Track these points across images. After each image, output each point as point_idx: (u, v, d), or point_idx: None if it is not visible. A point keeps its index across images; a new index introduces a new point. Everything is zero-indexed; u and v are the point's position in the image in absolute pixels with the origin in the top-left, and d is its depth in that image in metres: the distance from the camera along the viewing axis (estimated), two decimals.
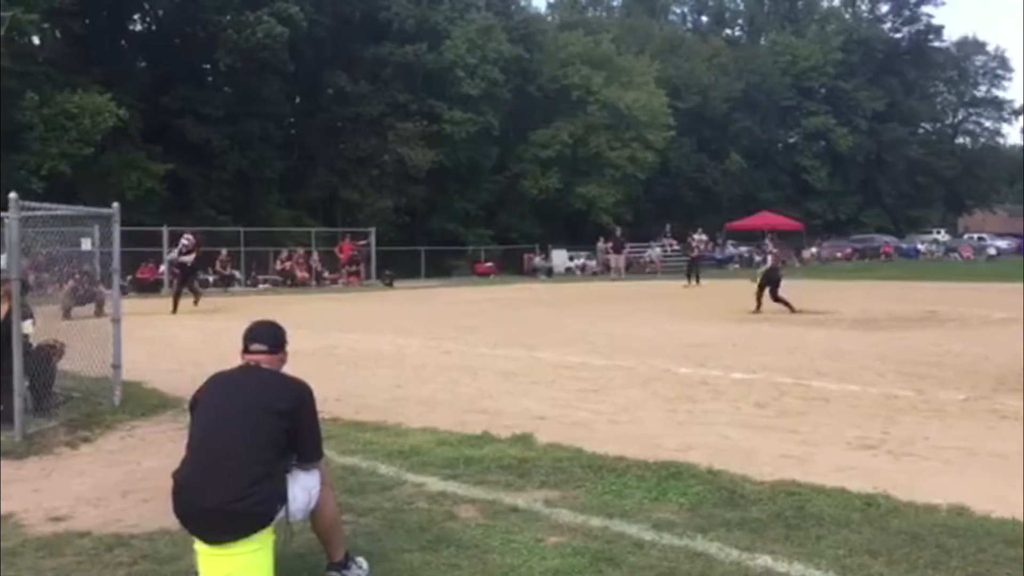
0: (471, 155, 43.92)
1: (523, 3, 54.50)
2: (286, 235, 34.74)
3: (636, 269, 40.86)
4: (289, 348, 4.03)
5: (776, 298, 17.82)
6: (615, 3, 74.40)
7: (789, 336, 13.53)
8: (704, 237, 32.56)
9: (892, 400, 8.05)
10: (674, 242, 43.34)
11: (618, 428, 7.02)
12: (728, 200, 57.07)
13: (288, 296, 26.56)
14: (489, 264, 40.97)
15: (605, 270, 39.20)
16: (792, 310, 17.42)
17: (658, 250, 43.71)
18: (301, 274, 31.68)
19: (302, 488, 3.64)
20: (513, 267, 41.92)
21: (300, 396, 3.73)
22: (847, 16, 76.61)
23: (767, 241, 20.97)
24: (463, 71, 42.66)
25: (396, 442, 6.37)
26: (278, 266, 32.18)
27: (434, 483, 5.30)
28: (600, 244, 41.23)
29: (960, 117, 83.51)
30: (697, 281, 28.27)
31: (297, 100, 42.97)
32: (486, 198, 46.08)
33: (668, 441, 6.44)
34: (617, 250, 37.73)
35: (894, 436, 6.56)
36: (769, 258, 18.87)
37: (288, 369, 3.97)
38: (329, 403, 7.31)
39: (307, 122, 42.59)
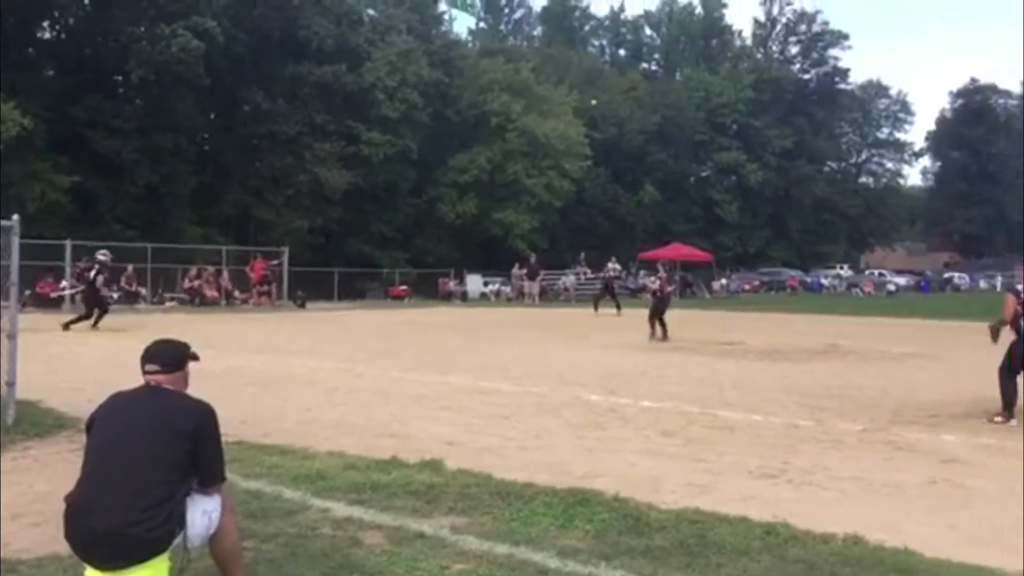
0: (389, 177, 43.78)
1: (444, 29, 54.85)
2: (196, 252, 33.95)
3: (550, 296, 41.16)
4: (195, 367, 3.94)
5: (661, 321, 18.41)
6: (535, 33, 75.48)
7: (699, 366, 13.79)
8: (618, 266, 32.94)
9: (794, 430, 8.27)
10: (588, 270, 43.83)
11: (528, 455, 7.03)
12: (642, 230, 58.07)
13: (196, 315, 25.93)
14: (404, 287, 40.78)
15: (519, 296, 39.37)
16: (664, 337, 17.94)
17: (572, 278, 44.11)
18: (210, 293, 30.96)
19: (202, 513, 3.55)
20: (428, 291, 41.80)
21: (202, 418, 3.64)
22: (759, 56, 79.22)
23: (659, 267, 21.47)
24: (382, 93, 42.57)
25: (303, 466, 6.26)
26: (186, 284, 31.41)
27: (340, 508, 5.22)
28: (515, 270, 41.43)
29: (864, 157, 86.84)
30: (618, 309, 28.44)
31: (212, 116, 42.17)
32: (403, 221, 45.94)
33: (577, 468, 6.48)
34: (532, 276, 37.98)
35: (795, 466, 6.73)
36: (656, 284, 19.62)
37: (193, 390, 3.88)
38: (235, 425, 7.15)
39: (222, 138, 41.83)
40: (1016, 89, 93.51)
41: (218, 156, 41.69)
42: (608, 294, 29.72)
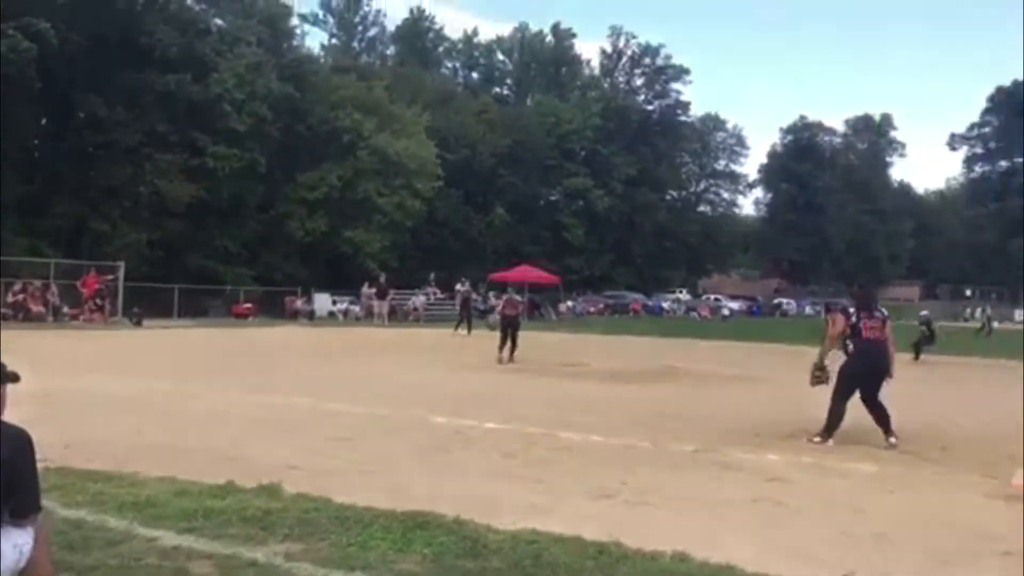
0: (235, 191, 42.52)
1: (295, 43, 53.97)
2: (22, 265, 31.91)
3: (399, 316, 40.92)
4: (12, 389, 3.71)
5: (512, 342, 18.78)
6: (388, 52, 75.29)
7: (543, 387, 14.04)
8: (467, 287, 33.21)
9: (632, 451, 8.53)
10: (438, 290, 43.87)
11: (370, 478, 6.97)
12: (492, 252, 58.67)
13: (20, 332, 24.37)
14: (248, 305, 39.53)
15: (368, 316, 38.99)
16: (511, 359, 18.32)
17: (422, 298, 44.05)
18: (35, 308, 29.20)
19: (12, 546, 3.34)
20: (274, 309, 40.73)
21: (16, 445, 3.43)
22: (606, 86, 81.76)
23: (509, 290, 21.90)
24: (230, 105, 41.38)
25: (130, 493, 5.98)
26: (10, 298, 29.48)
27: (168, 537, 5.02)
28: (365, 289, 41.01)
29: (702, 187, 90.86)
30: (468, 331, 28.59)
31: (44, 121, 39.94)
32: (249, 237, 44.69)
33: (418, 490, 6.47)
34: (381, 296, 37.71)
35: (631, 486, 6.94)
36: (500, 305, 20.14)
37: (11, 414, 3.65)
38: (58, 450, 6.77)
39: (54, 145, 39.61)
40: (840, 127, 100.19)
41: (49, 164, 39.44)
42: (464, 315, 29.95)
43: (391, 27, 76.18)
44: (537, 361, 18.41)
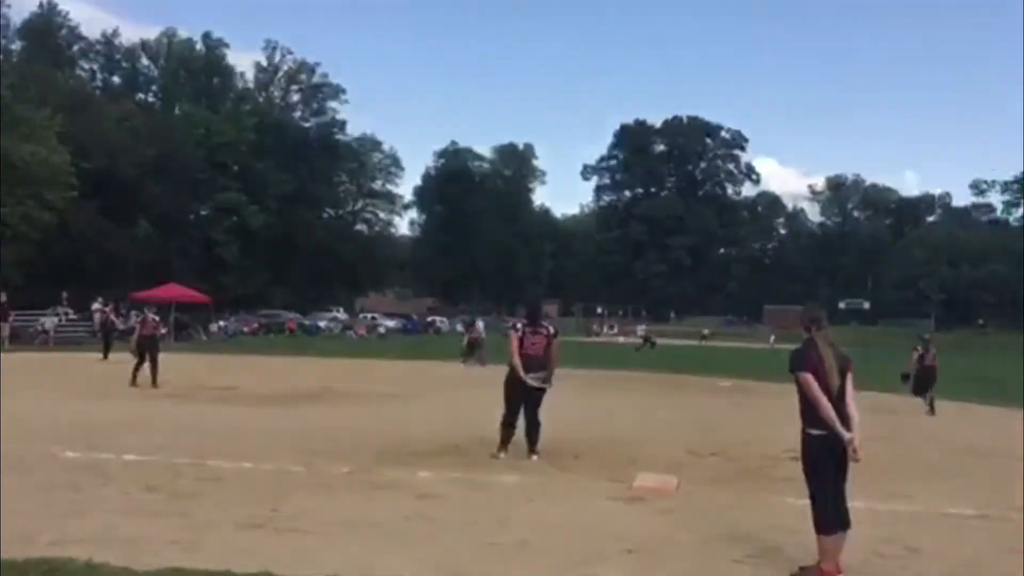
0: None
1: None
2: None
3: (24, 339, 36.88)
4: None
5: (152, 364, 17.66)
6: (14, 47, 67.90)
7: (190, 414, 13.33)
8: (101, 306, 30.73)
9: (284, 476, 8.37)
10: (70, 311, 40.17)
11: None
12: (136, 268, 54.75)
13: None
14: None
15: None
16: (153, 383, 17.26)
17: (53, 319, 40.05)
18: None
19: None
20: None
21: None
22: (261, 100, 79.91)
23: (144, 310, 20.71)
24: None
25: None
26: None
27: None
28: None
29: (359, 206, 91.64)
30: (105, 355, 26.29)
31: None
32: None
33: (44, 536, 5.87)
34: (2, 317, 33.81)
35: (282, 512, 6.80)
36: (138, 327, 19.22)
37: None
38: None
39: None
40: (488, 154, 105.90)
41: None
42: (105, 337, 27.63)
43: (17, 20, 68.83)
44: (184, 385, 17.47)
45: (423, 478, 8.49)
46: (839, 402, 5.36)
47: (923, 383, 17.35)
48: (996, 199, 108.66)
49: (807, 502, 5.53)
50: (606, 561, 5.75)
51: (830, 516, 5.38)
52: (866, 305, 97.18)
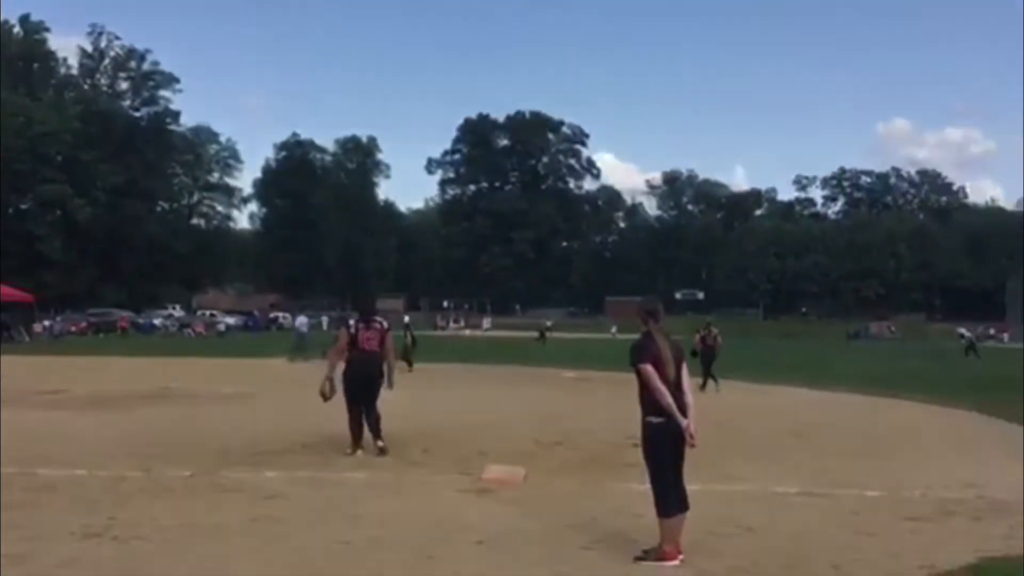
0: None
1: None
2: None
3: None
4: None
5: None
6: None
7: (17, 419, 12.54)
8: None
9: (121, 483, 8.04)
10: None
11: None
12: None
13: None
14: None
15: None
16: None
17: None
18: None
19: None
20: None
21: None
22: (86, 87, 75.77)
23: None
24: None
25: None
26: None
27: None
28: None
29: (196, 199, 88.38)
30: None
31: None
32: None
33: None
34: None
35: (121, 520, 6.54)
36: None
37: None
38: None
39: None
40: (331, 147, 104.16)
41: None
42: None
43: None
44: (7, 389, 16.40)
45: (270, 478, 8.35)
46: (676, 391, 5.63)
47: (706, 360, 19.05)
48: (817, 194, 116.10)
49: (649, 487, 5.79)
50: (456, 553, 5.84)
51: (670, 500, 5.67)
52: (700, 295, 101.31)
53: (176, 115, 79.33)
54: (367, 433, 9.72)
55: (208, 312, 71.00)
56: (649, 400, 5.65)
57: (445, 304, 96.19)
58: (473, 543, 6.07)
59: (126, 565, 5.33)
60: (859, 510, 7.33)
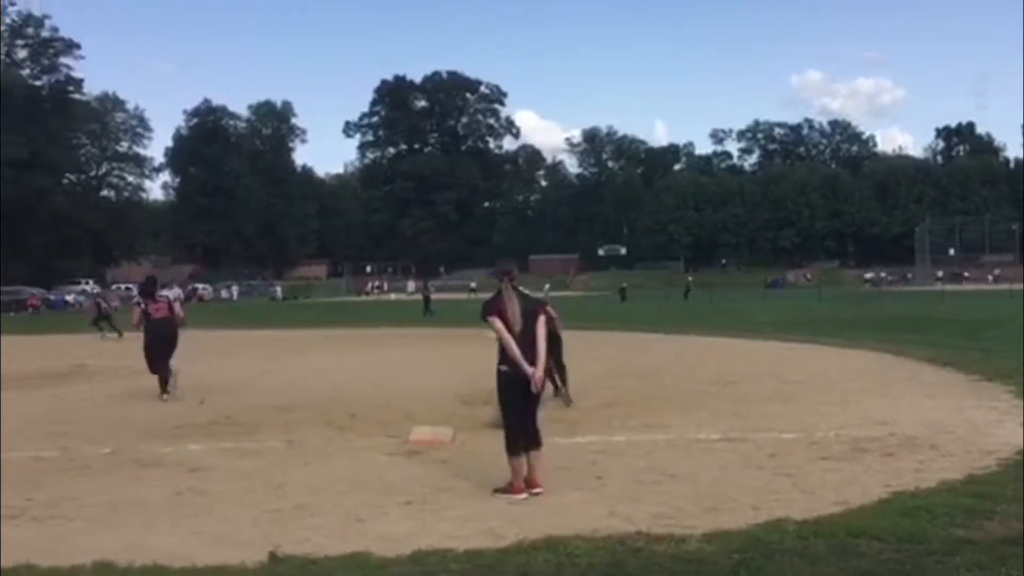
0: None
1: None
2: None
3: None
4: None
5: None
6: None
7: None
8: None
9: (37, 463, 7.82)
10: None
11: None
12: None
13: None
14: None
15: None
16: None
17: None
18: None
19: None
20: None
21: None
22: None
23: None
24: None
25: None
26: None
27: None
28: None
29: (104, 170, 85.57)
30: None
31: None
32: None
33: None
34: None
35: (38, 501, 6.37)
36: None
37: None
38: None
39: None
40: (244, 112, 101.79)
41: None
42: None
43: None
44: None
45: (192, 451, 8.22)
46: (526, 342, 6.06)
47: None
48: (733, 147, 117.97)
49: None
50: (385, 515, 5.84)
51: (516, 440, 6.15)
52: (623, 251, 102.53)
53: (79, 83, 76.39)
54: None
55: (123, 286, 69.10)
56: (500, 350, 6.15)
57: (368, 269, 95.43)
58: (402, 504, 6.09)
59: (47, 545, 5.20)
60: (776, 452, 7.55)
